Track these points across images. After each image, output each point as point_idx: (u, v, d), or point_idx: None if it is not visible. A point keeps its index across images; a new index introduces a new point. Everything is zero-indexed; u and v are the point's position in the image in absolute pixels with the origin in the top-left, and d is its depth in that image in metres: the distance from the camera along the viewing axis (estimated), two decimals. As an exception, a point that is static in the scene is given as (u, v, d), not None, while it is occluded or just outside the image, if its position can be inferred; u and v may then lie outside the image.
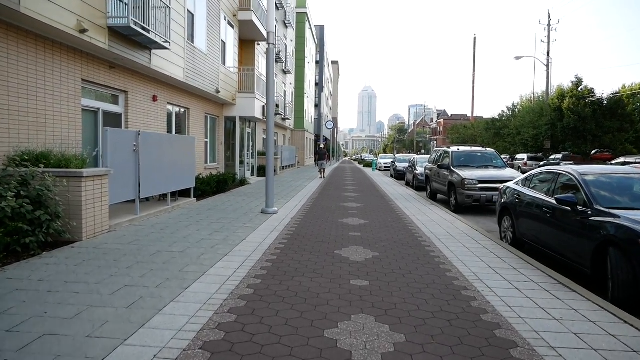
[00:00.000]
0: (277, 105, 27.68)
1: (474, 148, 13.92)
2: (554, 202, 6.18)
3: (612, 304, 4.66)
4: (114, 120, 10.24)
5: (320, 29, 64.61)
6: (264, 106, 20.21)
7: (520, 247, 7.36)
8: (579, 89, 32.81)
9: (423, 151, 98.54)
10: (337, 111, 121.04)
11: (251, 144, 21.82)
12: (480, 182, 11.52)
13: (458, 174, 12.02)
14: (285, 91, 32.91)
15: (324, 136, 60.20)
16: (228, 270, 5.32)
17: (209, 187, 13.20)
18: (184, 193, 11.61)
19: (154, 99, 11.78)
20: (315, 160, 24.90)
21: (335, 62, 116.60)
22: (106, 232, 7.28)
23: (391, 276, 5.24)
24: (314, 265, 5.61)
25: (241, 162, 20.20)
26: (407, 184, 21.42)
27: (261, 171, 23.08)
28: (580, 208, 5.61)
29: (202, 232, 7.67)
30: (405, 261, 5.97)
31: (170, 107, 13.35)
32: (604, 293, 5.03)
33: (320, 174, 23.88)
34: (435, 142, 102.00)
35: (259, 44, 22.67)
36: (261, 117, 19.96)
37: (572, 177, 6.22)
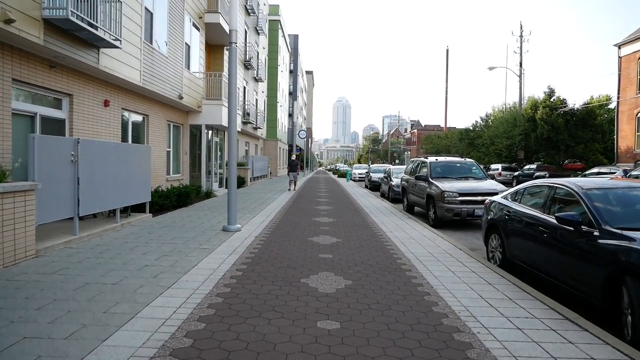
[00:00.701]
0: (248, 114, 26.69)
1: (452, 158, 13.24)
2: (553, 220, 5.37)
3: (632, 346, 3.85)
4: (56, 126, 9.06)
5: (295, 38, 64.07)
6: (232, 114, 19.18)
7: (511, 269, 6.58)
8: (552, 100, 32.96)
9: (397, 161, 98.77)
10: (311, 121, 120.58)
11: (219, 153, 20.71)
12: (461, 194, 10.79)
13: (437, 186, 11.26)
14: (257, 99, 31.93)
15: (297, 146, 59.32)
16: (166, 310, 4.29)
17: (169, 200, 12.06)
18: (140, 208, 10.47)
19: (106, 104, 10.64)
20: (288, 172, 22.76)
21: (309, 72, 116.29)
22: (31, 258, 6.13)
23: (367, 314, 4.32)
24: (275, 301, 4.64)
25: (208, 173, 19.06)
26: (383, 195, 20.66)
27: (230, 182, 21.98)
28: (584, 228, 4.81)
29: (148, 255, 6.59)
30: (384, 292, 5.06)
31: (126, 114, 12.20)
32: (617, 329, 4.23)
33: (290, 186, 22.01)
34: (409, 152, 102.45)
35: (228, 49, 21.68)
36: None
37: (571, 191, 5.43)
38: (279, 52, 42.38)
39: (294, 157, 21.46)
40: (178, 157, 16.79)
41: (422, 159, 13.43)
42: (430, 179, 11.87)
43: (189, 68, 15.79)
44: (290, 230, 9.37)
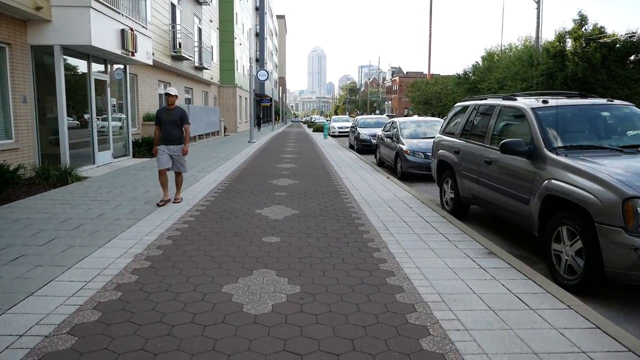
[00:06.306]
0: (179, 44, 18.37)
1: (579, 100, 5.56)
2: None
3: None
4: None
5: (259, -35, 53.94)
6: (123, 30, 11.01)
7: None
8: (584, 29, 25.40)
9: (377, 111, 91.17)
10: (284, 71, 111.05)
11: (113, 103, 12.58)
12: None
13: (599, 178, 3.81)
14: (200, 29, 23.37)
15: (266, 96, 50.73)
16: None
17: None
18: None
19: None
20: (157, 144, 7.13)
21: (281, 17, 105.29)
22: None
23: None
24: None
25: (105, 134, 11.11)
26: (382, 164, 13.24)
27: (143, 147, 14.05)
28: None
29: None
30: None
31: None
32: None
33: (164, 192, 7.03)
34: (390, 102, 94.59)
35: None
36: (117, 51, 10.79)
37: None
38: (234, -28, 33.10)
39: (171, 91, 6.90)
40: (5, 107, 8.83)
41: (507, 102, 5.63)
42: (555, 156, 4.39)
43: None
44: None
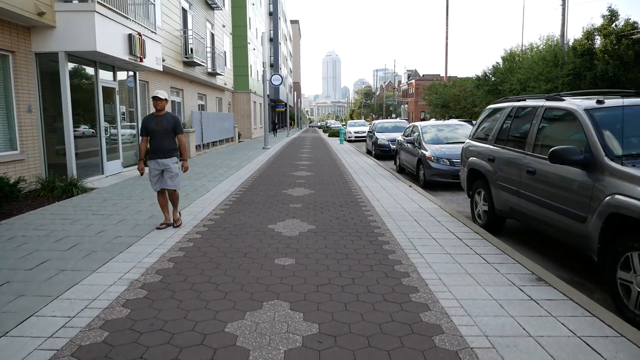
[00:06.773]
0: (191, 50, 18.00)
1: None
2: None
3: None
4: None
5: (272, -29, 53.79)
6: (130, 35, 10.59)
7: None
8: (614, 26, 24.26)
9: (393, 115, 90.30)
10: (299, 76, 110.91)
11: (121, 111, 12.19)
12: None
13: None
14: (212, 34, 23.04)
15: (281, 101, 50.40)
16: None
17: None
18: None
19: None
20: (142, 158, 6.01)
21: (295, 22, 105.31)
22: None
23: None
24: None
25: (115, 142, 10.70)
26: (402, 171, 12.59)
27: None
28: None
29: None
30: None
31: None
32: None
33: (164, 216, 6.16)
34: (406, 105, 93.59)
35: None
36: (124, 57, 10.36)
37: None
38: (248, -23, 32.85)
39: (160, 94, 5.72)
40: (9, 117, 8.46)
41: (552, 103, 4.64)
42: (621, 169, 3.64)
43: None
44: None
